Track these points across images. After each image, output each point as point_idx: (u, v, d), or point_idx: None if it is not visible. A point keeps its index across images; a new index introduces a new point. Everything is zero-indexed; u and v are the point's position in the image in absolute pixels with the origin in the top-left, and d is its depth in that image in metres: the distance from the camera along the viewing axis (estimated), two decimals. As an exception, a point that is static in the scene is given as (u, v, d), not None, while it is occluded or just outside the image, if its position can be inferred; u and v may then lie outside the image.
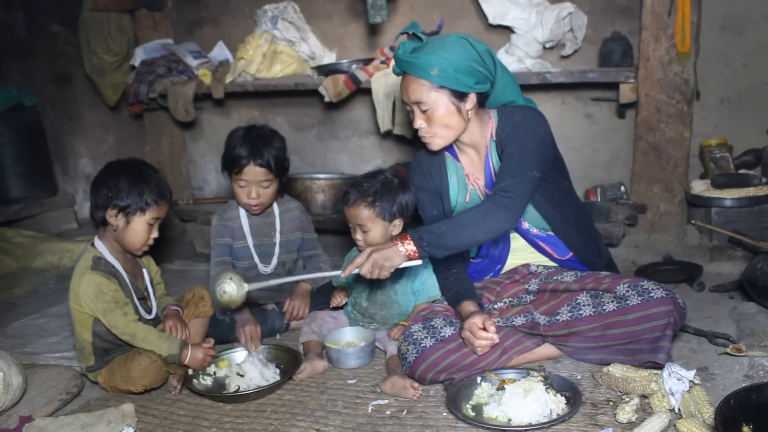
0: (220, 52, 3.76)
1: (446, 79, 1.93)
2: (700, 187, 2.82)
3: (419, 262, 1.91)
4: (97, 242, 2.14)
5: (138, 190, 2.08)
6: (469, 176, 2.18)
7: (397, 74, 2.06)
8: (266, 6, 3.56)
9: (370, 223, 2.19)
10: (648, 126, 2.91)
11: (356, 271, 1.92)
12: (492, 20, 3.09)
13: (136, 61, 3.79)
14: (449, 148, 2.17)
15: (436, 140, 2.05)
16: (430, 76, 1.92)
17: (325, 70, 3.30)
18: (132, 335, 2.05)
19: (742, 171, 2.87)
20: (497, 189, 1.93)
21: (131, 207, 2.08)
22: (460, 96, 1.97)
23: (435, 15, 3.27)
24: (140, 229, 2.11)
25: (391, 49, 3.19)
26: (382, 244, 1.92)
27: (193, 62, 3.70)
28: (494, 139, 2.10)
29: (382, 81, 3.03)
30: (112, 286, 2.07)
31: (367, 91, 3.16)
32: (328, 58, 3.56)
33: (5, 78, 4.53)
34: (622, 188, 3.07)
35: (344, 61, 3.36)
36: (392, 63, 2.66)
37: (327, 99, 3.19)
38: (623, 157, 3.15)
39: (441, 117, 1.99)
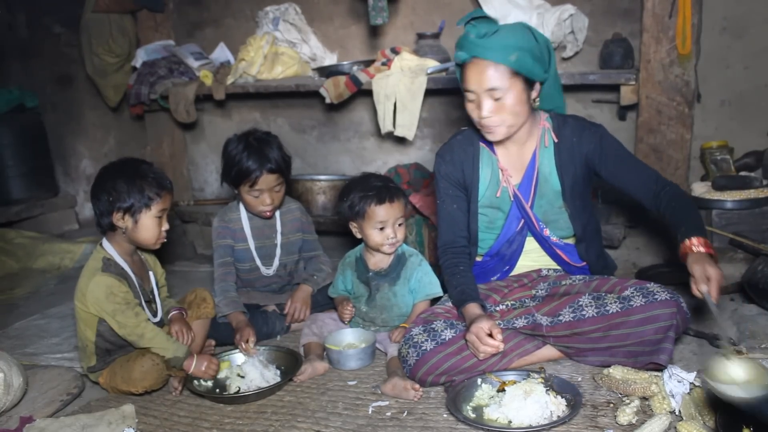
0: (221, 53, 3.76)
1: (523, 65, 1.89)
2: (700, 189, 2.81)
3: None
4: (105, 244, 2.13)
5: (138, 188, 2.06)
6: (503, 171, 2.11)
7: (461, 62, 1.95)
8: (267, 7, 3.56)
9: (402, 217, 2.22)
10: (649, 128, 2.91)
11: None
12: (493, 22, 3.09)
13: (138, 62, 3.79)
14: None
15: (502, 129, 1.97)
16: (509, 61, 1.88)
17: (326, 72, 3.29)
18: (140, 335, 2.04)
19: (742, 173, 2.86)
20: (666, 184, 1.99)
21: (135, 206, 2.06)
22: (530, 84, 1.95)
23: (436, 17, 3.27)
24: (150, 224, 2.10)
25: (393, 50, 3.19)
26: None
27: (194, 63, 3.70)
28: (555, 141, 2.07)
29: (383, 82, 3.03)
30: (123, 288, 2.06)
31: (368, 93, 3.16)
32: (329, 59, 3.56)
33: (7, 79, 4.53)
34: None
35: (345, 62, 3.36)
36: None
37: (328, 100, 3.19)
38: (624, 159, 3.14)
39: (513, 105, 1.92)
